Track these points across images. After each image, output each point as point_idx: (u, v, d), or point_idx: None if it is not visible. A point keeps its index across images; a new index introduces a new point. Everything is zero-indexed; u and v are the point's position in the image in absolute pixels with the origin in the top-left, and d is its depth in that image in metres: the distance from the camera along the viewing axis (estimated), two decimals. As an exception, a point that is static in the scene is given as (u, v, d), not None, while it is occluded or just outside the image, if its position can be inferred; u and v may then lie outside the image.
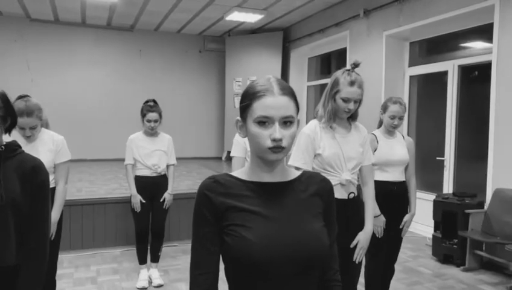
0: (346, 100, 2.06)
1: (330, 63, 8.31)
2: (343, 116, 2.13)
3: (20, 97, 2.56)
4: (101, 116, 8.71)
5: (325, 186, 1.16)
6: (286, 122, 1.06)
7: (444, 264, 4.38)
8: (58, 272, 3.47)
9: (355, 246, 2.18)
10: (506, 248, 4.04)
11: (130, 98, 8.56)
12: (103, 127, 8.67)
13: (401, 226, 2.96)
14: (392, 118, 2.90)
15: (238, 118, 1.12)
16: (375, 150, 2.90)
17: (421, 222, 5.42)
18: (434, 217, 4.57)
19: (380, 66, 5.98)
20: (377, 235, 2.87)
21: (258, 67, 8.68)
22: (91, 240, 4.63)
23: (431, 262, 4.46)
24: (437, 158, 5.39)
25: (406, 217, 2.96)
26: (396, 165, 2.92)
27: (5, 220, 1.57)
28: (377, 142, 2.93)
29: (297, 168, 2.01)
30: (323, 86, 7.97)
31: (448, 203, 4.41)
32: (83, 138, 8.32)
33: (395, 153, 2.92)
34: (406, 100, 5.99)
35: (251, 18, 7.71)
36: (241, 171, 1.14)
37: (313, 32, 7.67)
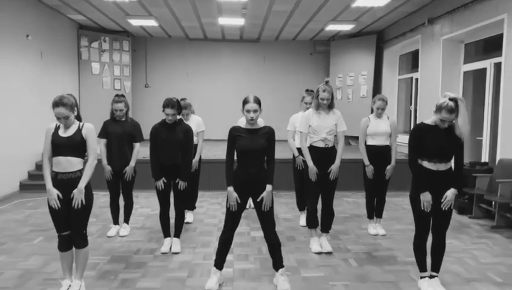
0: (322, 99, 4.21)
1: (418, 59, 9.69)
2: (324, 107, 4.26)
3: (182, 99, 5.30)
4: (234, 108, 11.62)
5: (270, 131, 3.46)
6: (255, 110, 3.40)
7: (460, 214, 5.95)
8: (201, 198, 6.27)
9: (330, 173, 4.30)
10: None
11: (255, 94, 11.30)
12: (235, 116, 11.55)
13: (385, 173, 4.89)
14: (377, 109, 4.84)
15: (242, 108, 3.47)
16: (367, 126, 4.89)
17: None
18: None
19: (438, 64, 7.45)
20: (369, 177, 4.88)
21: (355, 65, 10.59)
22: (221, 184, 7.38)
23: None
24: (477, 138, 6.73)
25: (388, 167, 4.88)
26: (381, 135, 4.86)
27: (177, 148, 4.24)
28: (369, 121, 4.91)
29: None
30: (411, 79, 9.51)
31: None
32: (222, 123, 11.34)
33: (380, 128, 4.86)
34: (460, 93, 7.33)
35: (345, 27, 9.70)
36: (244, 124, 3.49)
37: (398, 35, 9.27)
